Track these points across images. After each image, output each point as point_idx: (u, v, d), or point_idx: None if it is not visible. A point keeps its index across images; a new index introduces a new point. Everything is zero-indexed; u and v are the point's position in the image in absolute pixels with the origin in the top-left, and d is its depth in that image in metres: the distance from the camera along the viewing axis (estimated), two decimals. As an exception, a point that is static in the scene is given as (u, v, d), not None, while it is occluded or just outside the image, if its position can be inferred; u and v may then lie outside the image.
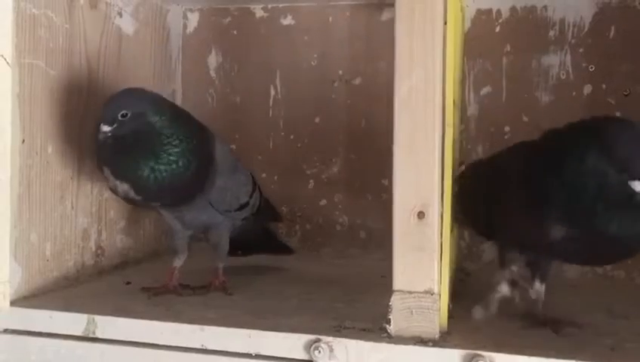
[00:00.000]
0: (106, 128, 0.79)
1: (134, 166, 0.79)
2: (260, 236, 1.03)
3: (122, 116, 0.79)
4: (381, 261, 1.08)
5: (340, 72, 1.16)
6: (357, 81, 1.15)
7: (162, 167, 0.79)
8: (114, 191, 0.82)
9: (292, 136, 1.18)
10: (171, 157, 0.79)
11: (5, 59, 0.74)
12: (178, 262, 0.89)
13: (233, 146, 1.17)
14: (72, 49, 0.90)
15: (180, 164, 0.80)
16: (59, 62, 0.87)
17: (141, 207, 0.94)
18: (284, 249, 1.07)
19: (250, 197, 0.93)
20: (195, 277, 0.90)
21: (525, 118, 1.07)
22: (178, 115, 0.83)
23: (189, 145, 0.81)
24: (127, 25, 1.03)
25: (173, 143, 0.80)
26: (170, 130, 0.80)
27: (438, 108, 0.68)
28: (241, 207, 0.91)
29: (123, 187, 0.80)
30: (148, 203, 0.83)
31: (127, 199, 0.83)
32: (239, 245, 0.98)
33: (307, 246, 1.17)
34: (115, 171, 0.80)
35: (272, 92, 1.19)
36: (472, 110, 1.09)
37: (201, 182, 0.83)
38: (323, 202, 1.17)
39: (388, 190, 1.14)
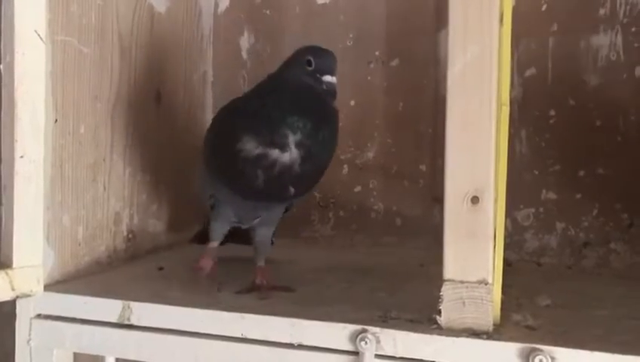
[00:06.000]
0: (335, 80, 0.73)
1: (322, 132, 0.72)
2: None
3: None
4: (418, 249, 1.05)
5: (377, 52, 1.11)
6: (394, 62, 1.11)
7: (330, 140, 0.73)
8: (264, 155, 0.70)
9: (326, 120, 1.14)
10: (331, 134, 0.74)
11: (39, 35, 0.71)
12: (214, 244, 0.84)
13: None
14: (105, 26, 0.87)
15: (333, 145, 0.74)
16: (91, 40, 0.85)
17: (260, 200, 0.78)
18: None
19: None
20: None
21: (572, 102, 1.02)
22: None
23: None
24: (159, 3, 1.00)
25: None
26: None
27: (493, 86, 0.63)
28: None
29: (292, 155, 0.70)
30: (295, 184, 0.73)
31: (276, 174, 0.71)
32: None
33: (341, 234, 1.13)
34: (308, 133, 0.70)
35: (306, 74, 1.15)
36: (516, 93, 1.04)
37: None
38: (357, 188, 1.13)
39: (425, 176, 1.11)
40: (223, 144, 0.73)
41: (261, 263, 0.83)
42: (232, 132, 0.72)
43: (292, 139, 0.70)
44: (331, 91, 0.73)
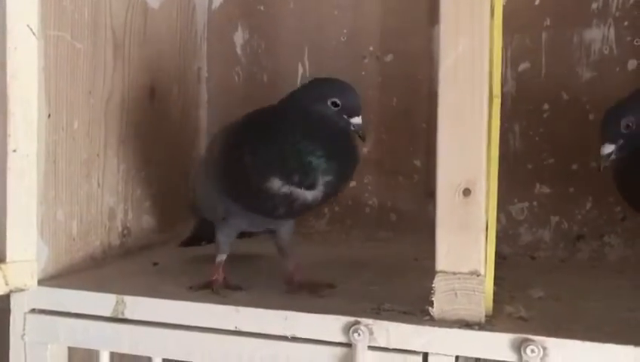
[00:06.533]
0: (361, 120, 0.74)
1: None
2: None
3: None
4: (412, 244, 1.05)
5: (371, 48, 1.12)
6: (388, 57, 1.11)
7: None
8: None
9: (320, 116, 1.14)
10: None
11: (31, 30, 0.71)
12: (222, 257, 0.81)
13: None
14: (98, 22, 0.87)
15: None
16: (84, 35, 0.85)
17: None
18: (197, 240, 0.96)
19: None
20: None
21: (565, 96, 1.02)
22: None
23: None
24: (152, -2, 1.00)
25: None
26: None
27: (485, 78, 0.64)
28: None
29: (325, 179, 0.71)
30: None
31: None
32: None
33: (336, 229, 1.13)
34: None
35: (300, 69, 1.15)
36: (509, 87, 1.04)
37: None
38: (352, 184, 1.13)
39: (420, 171, 1.11)
40: (248, 178, 0.72)
41: (291, 264, 0.81)
42: (260, 169, 0.71)
43: (322, 181, 0.71)
44: (361, 134, 0.74)
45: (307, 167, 0.70)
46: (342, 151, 0.73)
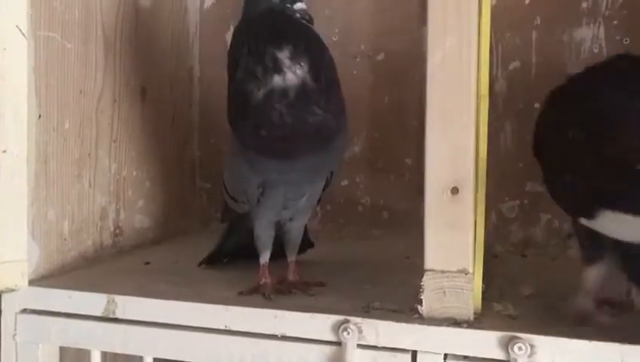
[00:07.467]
0: (305, 5, 0.72)
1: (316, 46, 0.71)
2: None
3: None
4: (404, 242, 1.06)
5: (363, 47, 1.12)
6: (380, 56, 1.12)
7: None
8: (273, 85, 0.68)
9: (312, 115, 1.15)
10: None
11: (21, 30, 0.71)
12: (266, 257, 0.78)
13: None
14: (89, 21, 0.87)
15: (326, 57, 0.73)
16: (75, 35, 0.85)
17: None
18: (309, 244, 0.94)
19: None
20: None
21: (556, 94, 1.03)
22: None
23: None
24: (143, -2, 1.00)
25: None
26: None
27: (472, 77, 0.64)
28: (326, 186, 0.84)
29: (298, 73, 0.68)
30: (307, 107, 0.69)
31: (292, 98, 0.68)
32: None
33: (328, 228, 1.14)
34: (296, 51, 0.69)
35: (292, 69, 1.15)
36: (500, 86, 1.05)
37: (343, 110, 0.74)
38: (344, 182, 1.14)
39: (411, 169, 1.12)
40: (238, 99, 0.72)
41: (293, 258, 0.81)
42: (242, 86, 0.71)
43: (283, 59, 0.68)
44: (306, 18, 0.73)
45: (260, 55, 0.69)
46: (292, 31, 0.71)
